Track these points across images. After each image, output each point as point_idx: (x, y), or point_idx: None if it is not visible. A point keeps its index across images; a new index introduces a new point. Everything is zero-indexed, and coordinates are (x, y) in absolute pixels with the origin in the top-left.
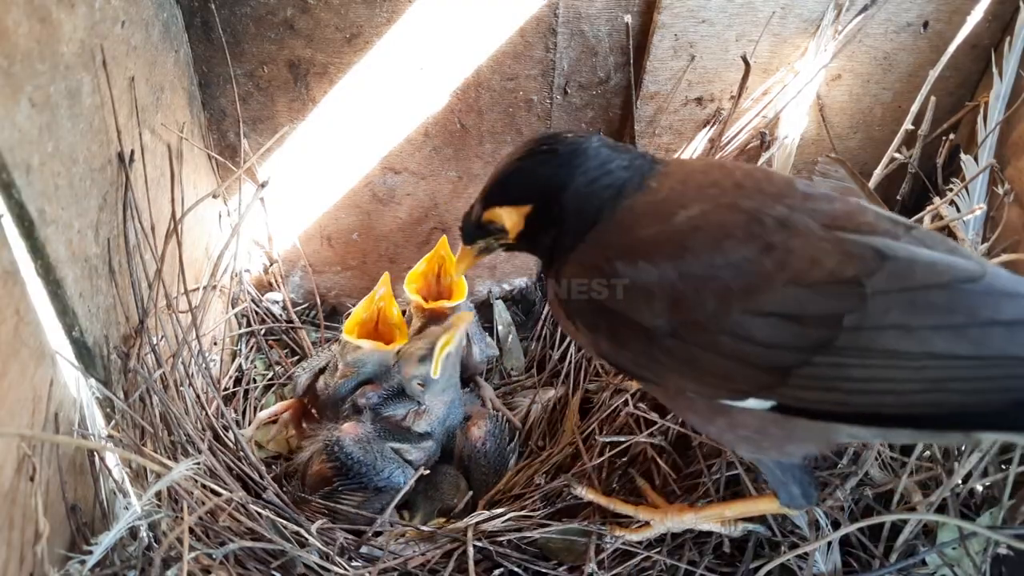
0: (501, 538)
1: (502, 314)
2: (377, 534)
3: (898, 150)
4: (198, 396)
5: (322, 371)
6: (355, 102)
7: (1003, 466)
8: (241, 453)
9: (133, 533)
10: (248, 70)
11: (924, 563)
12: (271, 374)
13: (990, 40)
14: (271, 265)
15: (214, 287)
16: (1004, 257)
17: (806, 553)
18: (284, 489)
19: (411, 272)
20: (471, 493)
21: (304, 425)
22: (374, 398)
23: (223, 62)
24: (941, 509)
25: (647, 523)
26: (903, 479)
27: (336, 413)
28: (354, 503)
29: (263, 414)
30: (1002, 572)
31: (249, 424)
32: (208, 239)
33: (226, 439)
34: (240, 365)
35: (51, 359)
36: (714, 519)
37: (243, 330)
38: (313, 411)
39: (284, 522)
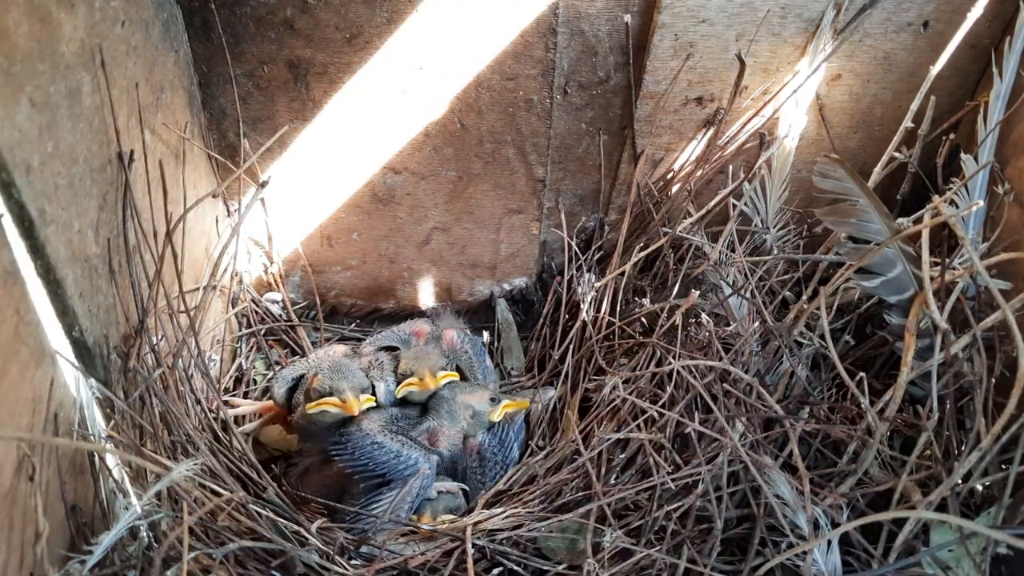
0: (500, 536)
1: (503, 314)
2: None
3: (898, 150)
4: (198, 396)
5: (298, 382)
6: (355, 102)
7: (1003, 466)
8: (241, 453)
9: (133, 533)
10: (248, 70)
11: (922, 564)
12: (271, 374)
13: (990, 40)
14: (271, 265)
15: (214, 287)
16: (1004, 256)
17: (805, 552)
18: (284, 489)
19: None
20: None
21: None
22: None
23: (223, 62)
24: (941, 508)
25: None
26: (903, 478)
27: (322, 439)
28: (375, 503)
29: (247, 408)
30: (1002, 572)
31: (248, 423)
32: (208, 239)
33: (226, 439)
34: (240, 365)
35: (51, 359)
36: None
37: (243, 331)
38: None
39: (284, 522)
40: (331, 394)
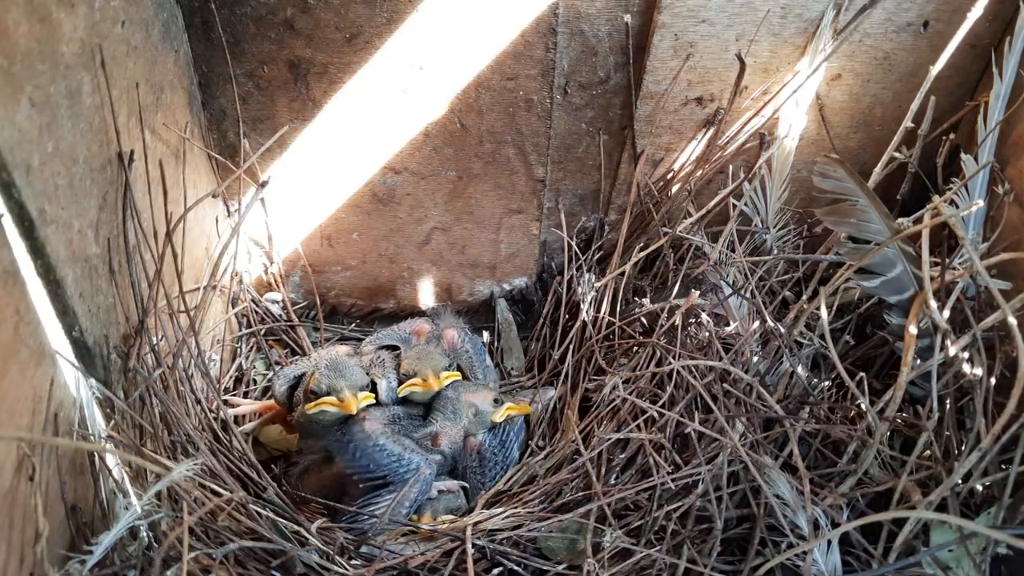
0: (500, 536)
1: (503, 314)
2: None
3: (898, 150)
4: (198, 396)
5: (299, 380)
6: (355, 102)
7: (1003, 466)
8: (241, 453)
9: (133, 533)
10: (248, 70)
11: (922, 564)
12: (271, 374)
13: (990, 40)
14: (271, 265)
15: (214, 287)
16: (1004, 256)
17: (805, 552)
18: (284, 489)
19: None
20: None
21: (291, 420)
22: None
23: (223, 62)
24: (941, 508)
25: None
26: (903, 478)
27: (323, 438)
28: (373, 505)
29: (247, 407)
30: (1002, 572)
31: (248, 422)
32: (208, 239)
33: (226, 439)
34: (240, 365)
35: (51, 359)
36: None
37: (243, 331)
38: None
39: (284, 522)
40: (329, 393)
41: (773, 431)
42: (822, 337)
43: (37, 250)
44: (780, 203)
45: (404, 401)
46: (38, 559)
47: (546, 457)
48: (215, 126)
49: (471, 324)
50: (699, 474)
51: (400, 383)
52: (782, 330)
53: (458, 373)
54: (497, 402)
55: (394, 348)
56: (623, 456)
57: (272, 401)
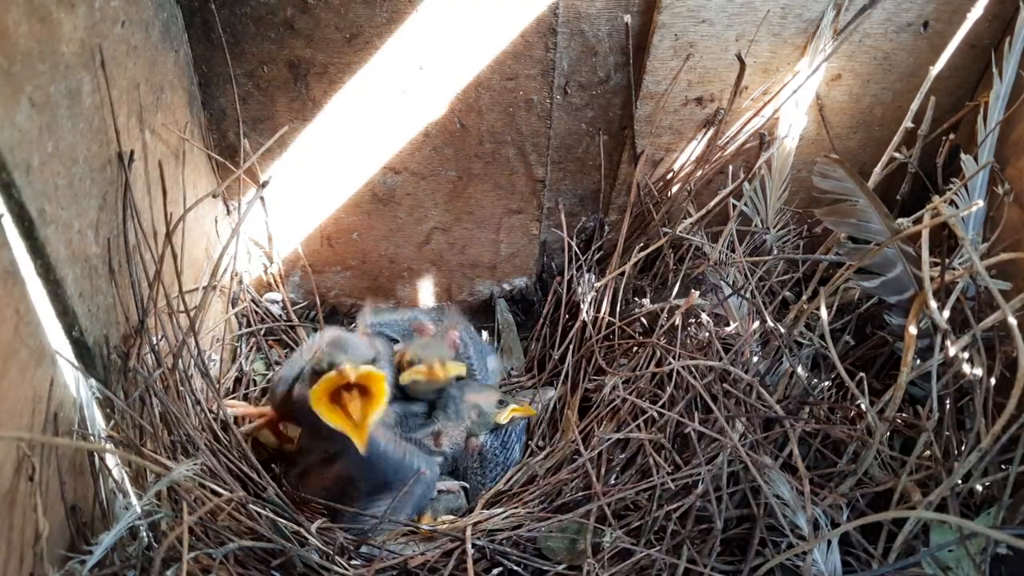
0: (500, 536)
1: (503, 314)
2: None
3: (898, 150)
4: (197, 396)
5: (296, 379)
6: (355, 102)
7: (1003, 466)
8: (241, 453)
9: (133, 533)
10: (248, 70)
11: (921, 564)
12: (271, 374)
13: (990, 40)
14: (271, 265)
15: (214, 287)
16: (1004, 256)
17: (805, 552)
18: (284, 489)
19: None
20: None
21: (283, 429)
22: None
23: (223, 62)
24: (941, 508)
25: None
26: (903, 478)
27: (324, 438)
28: (375, 506)
29: (239, 409)
30: (1002, 572)
31: (249, 423)
32: (208, 239)
33: (226, 439)
34: (240, 365)
35: (51, 359)
36: None
37: (243, 330)
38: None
39: (284, 522)
40: (329, 369)
41: (773, 431)
42: (822, 337)
43: (37, 250)
44: (780, 203)
45: (405, 399)
46: (38, 559)
47: (546, 457)
48: (215, 126)
49: (471, 324)
50: (699, 474)
51: (398, 378)
52: (782, 330)
53: (464, 365)
54: (502, 403)
55: (392, 340)
56: (623, 456)
57: (266, 408)
